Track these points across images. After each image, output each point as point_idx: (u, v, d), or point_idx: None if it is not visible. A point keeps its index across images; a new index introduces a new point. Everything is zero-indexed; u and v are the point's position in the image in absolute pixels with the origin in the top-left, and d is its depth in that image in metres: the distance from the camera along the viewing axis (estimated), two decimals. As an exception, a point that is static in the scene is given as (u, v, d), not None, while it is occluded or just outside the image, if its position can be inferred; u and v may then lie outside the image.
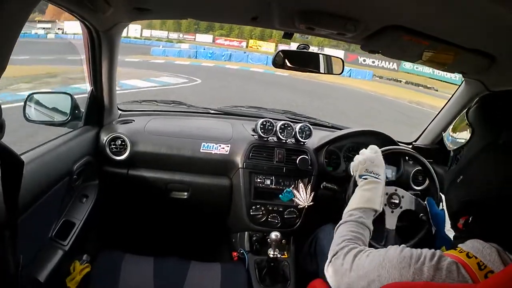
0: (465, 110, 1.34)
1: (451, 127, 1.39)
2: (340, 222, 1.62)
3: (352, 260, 1.32)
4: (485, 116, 1.24)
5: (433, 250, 1.14)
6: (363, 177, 1.77)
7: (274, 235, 2.31)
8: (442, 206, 2.04)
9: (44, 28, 48.00)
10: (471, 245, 1.12)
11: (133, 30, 53.98)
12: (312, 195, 2.58)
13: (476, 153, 1.19)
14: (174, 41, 51.96)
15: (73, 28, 43.96)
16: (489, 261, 1.05)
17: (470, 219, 1.22)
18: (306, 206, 2.57)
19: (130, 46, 38.56)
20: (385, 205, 2.08)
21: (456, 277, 1.04)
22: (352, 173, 1.96)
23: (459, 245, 1.15)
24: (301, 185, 2.58)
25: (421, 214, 2.07)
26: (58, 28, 49.00)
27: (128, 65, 21.58)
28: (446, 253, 1.13)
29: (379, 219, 1.94)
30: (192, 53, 39.07)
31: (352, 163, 1.91)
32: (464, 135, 1.25)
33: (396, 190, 2.10)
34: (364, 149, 1.91)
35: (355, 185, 1.81)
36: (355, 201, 1.67)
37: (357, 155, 1.89)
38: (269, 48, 53.03)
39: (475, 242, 1.12)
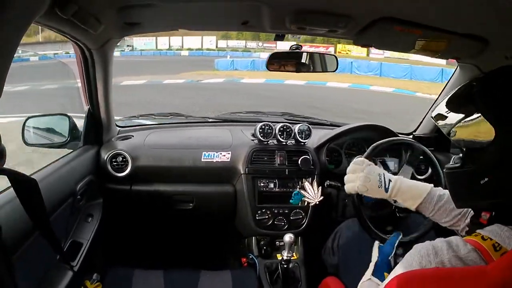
0: (453, 96, 1.26)
1: (439, 116, 1.30)
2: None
3: None
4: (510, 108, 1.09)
5: (448, 239, 1.10)
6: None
7: (288, 237, 2.28)
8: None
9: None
10: (490, 229, 1.08)
11: (208, 42, 50.00)
12: (320, 189, 2.52)
13: (507, 154, 1.07)
14: (252, 51, 45.98)
15: (142, 45, 45.56)
16: (506, 243, 1.02)
17: (493, 214, 1.16)
18: (317, 202, 2.51)
19: (193, 60, 36.00)
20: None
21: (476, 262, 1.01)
22: None
23: (478, 230, 1.11)
24: (306, 183, 2.54)
25: None
26: (127, 45, 48.02)
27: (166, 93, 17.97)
28: (466, 238, 1.09)
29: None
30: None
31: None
32: (482, 135, 1.15)
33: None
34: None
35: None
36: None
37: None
38: (360, 52, 40.37)
39: (494, 226, 1.09)
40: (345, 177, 1.82)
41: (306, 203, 2.55)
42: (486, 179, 1.12)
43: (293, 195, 2.52)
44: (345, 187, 1.81)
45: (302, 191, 2.49)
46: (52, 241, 1.24)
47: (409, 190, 1.68)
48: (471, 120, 1.13)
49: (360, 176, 1.74)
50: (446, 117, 1.23)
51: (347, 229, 2.28)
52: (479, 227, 1.14)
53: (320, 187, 2.52)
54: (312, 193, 2.51)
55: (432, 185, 1.69)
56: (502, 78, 1.14)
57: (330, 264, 2.29)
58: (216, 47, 49.90)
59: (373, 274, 1.60)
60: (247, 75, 26.50)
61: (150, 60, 38.74)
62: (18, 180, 1.06)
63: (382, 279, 1.55)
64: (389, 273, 1.21)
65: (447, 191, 1.57)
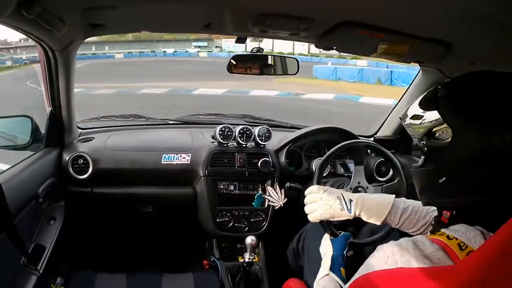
0: (421, 99, 1.29)
1: (407, 117, 1.33)
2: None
3: None
4: (470, 113, 1.10)
5: (413, 238, 1.10)
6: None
7: (250, 239, 2.27)
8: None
9: (199, 46, 48.28)
10: (455, 228, 1.08)
11: (300, 46, 36.53)
12: (283, 192, 2.52)
13: (466, 155, 1.09)
14: (348, 58, 33.79)
15: (230, 46, 43.25)
16: (472, 242, 1.02)
17: (454, 212, 1.17)
18: (282, 205, 2.54)
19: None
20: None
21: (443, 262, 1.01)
22: (312, 170, 1.94)
23: (442, 230, 1.11)
24: (269, 187, 2.56)
25: None
26: (216, 46, 48.26)
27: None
28: (431, 236, 1.09)
29: None
30: (385, 75, 23.53)
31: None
32: (441, 136, 1.18)
33: (359, 182, 2.05)
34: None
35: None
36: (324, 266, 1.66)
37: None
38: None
39: (459, 226, 1.09)
40: (305, 208, 1.78)
41: (266, 205, 2.56)
42: (443, 179, 1.15)
43: (255, 197, 2.51)
44: (308, 217, 1.77)
45: (265, 195, 2.50)
46: (18, 244, 1.20)
47: (371, 207, 1.66)
48: (433, 122, 1.16)
49: (320, 204, 1.72)
50: (414, 119, 1.26)
51: (312, 230, 2.27)
52: (442, 226, 1.15)
53: (283, 190, 2.53)
54: (275, 196, 2.50)
55: (393, 196, 1.67)
56: (465, 83, 1.15)
57: (295, 265, 2.30)
58: (308, 52, 46.74)
59: (331, 269, 1.59)
60: (359, 89, 20.73)
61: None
62: None
63: (339, 274, 1.56)
64: (344, 268, 1.21)
65: (411, 202, 1.61)
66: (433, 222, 1.30)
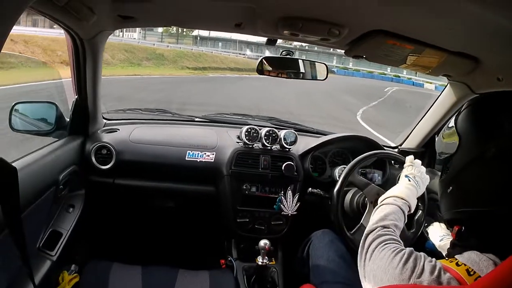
0: (454, 115, 1.32)
1: (442, 133, 1.37)
2: (386, 201, 1.61)
3: (373, 250, 1.30)
4: (475, 123, 1.20)
5: (434, 262, 1.11)
6: (408, 178, 1.79)
7: (263, 242, 2.28)
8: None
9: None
10: (468, 256, 1.09)
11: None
12: (298, 204, 2.58)
13: (466, 163, 1.15)
14: None
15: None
16: (484, 272, 1.03)
17: (463, 228, 1.19)
18: (290, 214, 2.57)
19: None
20: (371, 202, 2.15)
21: None
22: (335, 177, 1.98)
23: (456, 256, 1.12)
24: (289, 193, 2.56)
25: None
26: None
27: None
28: (444, 264, 1.10)
29: None
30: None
31: (408, 160, 1.93)
32: (452, 144, 1.22)
33: (378, 194, 2.13)
34: (417, 160, 1.92)
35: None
36: (400, 191, 1.67)
37: (416, 160, 1.91)
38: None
39: (472, 254, 1.09)
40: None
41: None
42: (451, 188, 1.20)
43: (277, 201, 2.56)
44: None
45: (282, 198, 2.53)
46: (19, 237, 1.20)
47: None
48: (449, 130, 1.24)
49: (422, 168, 1.91)
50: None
51: (316, 239, 2.30)
52: (456, 251, 1.17)
53: (299, 203, 2.58)
54: (287, 205, 2.55)
55: None
56: (489, 102, 1.23)
57: (301, 273, 2.30)
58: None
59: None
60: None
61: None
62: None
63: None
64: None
65: None
66: (450, 245, 1.31)
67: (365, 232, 1.42)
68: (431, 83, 42.22)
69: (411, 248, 1.20)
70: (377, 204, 1.65)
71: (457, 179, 1.18)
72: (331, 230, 2.32)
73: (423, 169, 1.87)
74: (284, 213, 2.57)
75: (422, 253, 1.17)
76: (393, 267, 1.14)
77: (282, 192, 2.59)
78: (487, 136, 1.12)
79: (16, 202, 1.10)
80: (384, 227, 1.40)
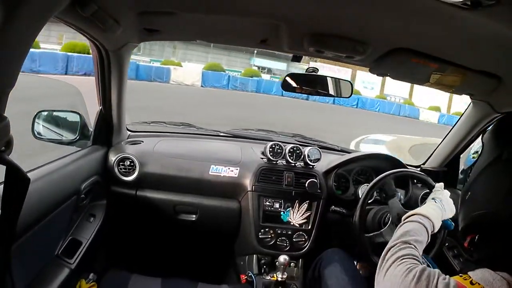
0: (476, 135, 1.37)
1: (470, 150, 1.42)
2: (410, 218, 1.62)
3: (389, 265, 1.32)
4: (496, 135, 1.27)
5: (447, 279, 1.14)
6: (435, 200, 1.81)
7: (283, 258, 2.29)
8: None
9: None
10: (481, 275, 1.11)
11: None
12: (302, 215, 2.62)
13: (484, 168, 1.20)
14: None
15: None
16: None
17: (477, 237, 1.22)
18: (294, 224, 2.61)
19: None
20: (392, 223, 2.15)
21: None
22: (359, 196, 2.02)
23: (469, 273, 1.14)
24: (297, 204, 2.61)
25: None
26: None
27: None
28: (458, 281, 1.12)
29: None
30: None
31: (439, 186, 1.96)
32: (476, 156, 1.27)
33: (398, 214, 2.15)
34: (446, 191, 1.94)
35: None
36: (425, 210, 1.67)
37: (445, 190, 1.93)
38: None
39: (485, 272, 1.12)
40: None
41: (310, 226, 2.60)
42: (469, 193, 1.25)
43: (286, 211, 2.61)
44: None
45: (290, 209, 2.60)
46: (7, 248, 1.13)
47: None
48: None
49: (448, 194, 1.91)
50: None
51: (327, 258, 2.32)
52: (470, 267, 1.19)
53: (304, 214, 2.63)
54: (293, 215, 2.61)
55: None
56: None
57: None
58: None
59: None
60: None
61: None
62: (13, 175, 1.04)
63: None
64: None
65: None
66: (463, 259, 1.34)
67: (386, 247, 1.44)
68: (437, 108, 37.79)
69: (425, 265, 1.22)
70: (400, 222, 1.66)
71: (475, 183, 1.24)
72: (341, 249, 2.36)
73: (448, 194, 1.89)
74: (290, 223, 2.60)
75: (436, 270, 1.19)
76: (406, 286, 1.17)
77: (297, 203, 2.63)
78: (505, 139, 1.18)
79: (16, 211, 1.09)
80: (405, 242, 1.41)
